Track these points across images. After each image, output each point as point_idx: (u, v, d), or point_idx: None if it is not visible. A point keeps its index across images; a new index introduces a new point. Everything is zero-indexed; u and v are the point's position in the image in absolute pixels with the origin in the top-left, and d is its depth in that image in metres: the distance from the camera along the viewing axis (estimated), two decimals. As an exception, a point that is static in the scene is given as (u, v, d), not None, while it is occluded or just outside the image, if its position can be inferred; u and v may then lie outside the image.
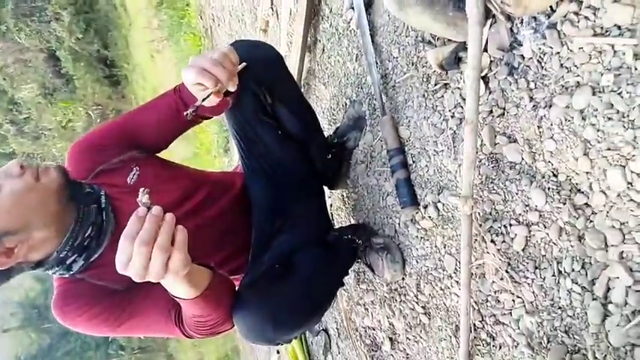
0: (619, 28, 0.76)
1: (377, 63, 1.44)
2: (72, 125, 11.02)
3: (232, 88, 1.00)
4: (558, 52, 0.86)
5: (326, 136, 1.66)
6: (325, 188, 1.70)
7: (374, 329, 1.67)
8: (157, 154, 1.27)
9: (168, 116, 1.18)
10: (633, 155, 0.77)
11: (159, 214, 0.77)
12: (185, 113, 0.92)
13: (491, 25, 0.99)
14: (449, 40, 1.12)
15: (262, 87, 1.21)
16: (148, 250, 0.73)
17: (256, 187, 1.36)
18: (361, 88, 1.58)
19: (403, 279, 1.42)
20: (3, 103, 12.49)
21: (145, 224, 0.75)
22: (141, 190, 0.78)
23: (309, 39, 1.86)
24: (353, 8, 1.53)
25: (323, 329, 2.22)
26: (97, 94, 10.29)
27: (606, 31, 0.78)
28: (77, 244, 1.00)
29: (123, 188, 1.11)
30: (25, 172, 0.95)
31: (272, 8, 2.22)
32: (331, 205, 1.89)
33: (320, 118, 1.84)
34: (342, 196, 1.78)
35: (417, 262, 1.34)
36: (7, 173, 0.95)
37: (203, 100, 0.94)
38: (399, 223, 1.41)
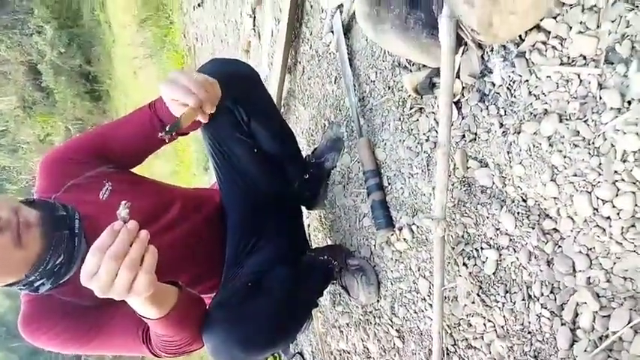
0: (584, 58, 0.79)
1: (355, 86, 1.46)
2: (50, 139, 10.84)
3: (209, 110, 0.99)
4: (527, 80, 0.89)
5: (304, 156, 1.66)
6: (303, 209, 1.69)
7: (349, 352, 1.66)
8: (131, 170, 1.25)
9: (142, 132, 1.17)
10: (598, 182, 0.79)
11: (134, 230, 0.75)
12: (160, 135, 0.90)
13: (463, 52, 1.01)
14: (423, 65, 1.14)
15: (238, 105, 1.22)
16: (116, 265, 0.72)
17: (231, 204, 1.34)
18: (339, 110, 1.59)
19: (378, 301, 1.41)
20: (-20, 116, 12.27)
21: (118, 238, 0.73)
22: (122, 202, 0.77)
23: (289, 60, 1.88)
24: (332, 32, 1.55)
25: (298, 352, 2.19)
26: (78, 109, 10.16)
27: (572, 61, 0.81)
28: (47, 269, 0.97)
29: (94, 205, 1.09)
30: (4, 233, 0.88)
31: (254, 29, 2.24)
32: (309, 226, 1.88)
33: (299, 138, 1.84)
34: (320, 216, 1.77)
35: (391, 284, 1.34)
36: None
37: (177, 121, 0.92)
38: (374, 245, 1.41)
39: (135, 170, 1.27)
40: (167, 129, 0.87)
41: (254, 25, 2.24)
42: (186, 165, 4.44)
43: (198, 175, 3.97)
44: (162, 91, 0.95)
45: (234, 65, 1.24)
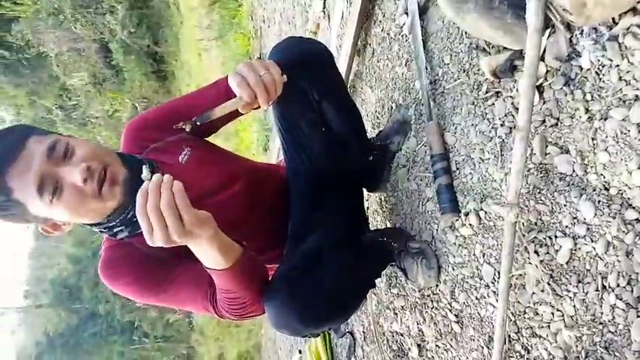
0: (686, 41, 0.75)
1: (427, 69, 1.45)
2: (118, 115, 11.42)
3: (264, 106, 1.03)
4: (618, 65, 0.85)
5: (369, 138, 1.67)
6: (364, 190, 1.71)
7: (402, 335, 1.67)
8: (207, 139, 1.31)
9: (220, 101, 1.22)
10: (692, 172, 0.76)
11: (157, 182, 0.83)
12: (186, 123, 0.96)
13: (549, 35, 0.99)
14: (504, 48, 1.12)
15: (311, 83, 1.24)
16: (159, 213, 0.80)
17: (296, 180, 1.38)
18: (408, 93, 1.58)
19: (437, 286, 1.41)
20: (54, 89, 13.07)
21: (149, 194, 0.82)
22: (143, 166, 0.86)
23: (359, 42, 1.88)
24: (407, 13, 1.54)
25: (349, 331, 2.22)
26: (144, 88, 10.62)
27: (672, 44, 0.77)
28: (126, 219, 1.05)
29: (174, 167, 1.15)
30: (87, 184, 0.95)
31: (324, 11, 2.26)
32: (368, 208, 1.90)
33: (364, 120, 1.85)
34: (380, 199, 1.78)
35: (453, 269, 1.34)
36: (69, 178, 0.94)
37: (207, 113, 0.97)
38: (437, 230, 1.41)
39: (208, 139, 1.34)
40: (195, 119, 0.94)
41: (324, 7, 2.25)
42: (245, 144, 4.56)
43: (257, 154, 4.06)
44: (230, 80, 0.99)
45: (310, 44, 1.27)
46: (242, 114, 1.07)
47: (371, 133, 1.81)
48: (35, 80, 13.35)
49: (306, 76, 1.21)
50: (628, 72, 0.84)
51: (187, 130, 1.01)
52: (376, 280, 1.53)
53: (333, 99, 1.31)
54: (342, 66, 1.96)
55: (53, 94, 13.15)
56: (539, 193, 1.03)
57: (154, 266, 1.08)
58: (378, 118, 1.81)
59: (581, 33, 0.92)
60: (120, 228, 1.06)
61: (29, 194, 0.92)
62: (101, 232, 1.09)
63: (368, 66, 1.86)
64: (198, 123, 0.95)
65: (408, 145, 1.56)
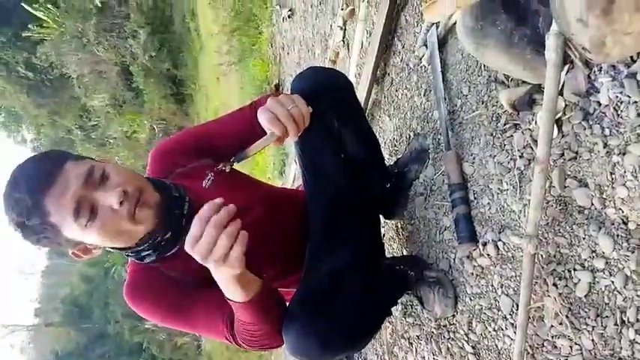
0: None
1: (445, 99, 1.48)
2: (136, 136, 11.63)
3: (294, 139, 1.07)
4: (636, 102, 0.87)
5: (387, 165, 1.69)
6: (381, 217, 1.72)
7: (417, 364, 1.65)
8: None
9: (243, 130, 1.26)
10: None
11: (232, 210, 0.86)
12: (227, 164, 1.00)
13: (568, 71, 1.01)
14: (523, 81, 1.15)
15: (332, 111, 1.27)
16: (217, 233, 0.82)
17: (315, 205, 1.40)
18: (427, 122, 1.61)
19: (454, 316, 1.41)
20: (75, 110, 13.38)
21: (221, 212, 0.84)
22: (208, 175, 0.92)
23: (378, 72, 1.92)
24: (426, 45, 1.58)
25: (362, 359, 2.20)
26: (163, 110, 10.84)
27: (690, 84, 0.79)
28: (154, 243, 1.08)
29: (197, 192, 1.19)
30: (123, 206, 0.97)
31: (343, 41, 2.31)
32: (384, 235, 1.90)
33: (382, 148, 1.88)
34: (397, 226, 1.79)
35: (470, 299, 1.34)
36: (105, 201, 0.97)
37: (244, 153, 1.03)
38: (454, 259, 1.41)
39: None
40: (233, 159, 0.99)
41: (344, 37, 2.31)
42: (261, 168, 4.61)
43: (272, 178, 4.10)
44: (259, 116, 1.03)
45: (331, 74, 1.31)
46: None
47: (389, 160, 1.84)
48: (57, 100, 13.71)
49: (328, 104, 1.25)
50: (647, 109, 0.86)
51: (227, 171, 1.05)
52: (392, 308, 1.53)
53: (353, 127, 1.34)
54: (361, 94, 1.99)
55: (74, 114, 13.48)
56: (558, 225, 1.04)
57: (177, 291, 1.11)
58: (395, 146, 1.83)
59: (600, 70, 0.94)
60: (147, 252, 1.09)
61: (65, 217, 0.95)
62: (128, 255, 1.12)
63: (386, 95, 1.90)
64: (235, 163, 0.99)
65: (426, 174, 1.57)
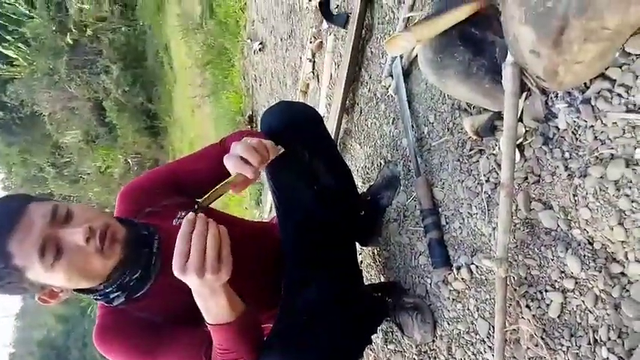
0: (651, 105, 0.80)
1: (413, 127, 1.51)
2: (110, 171, 11.45)
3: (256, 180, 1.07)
4: (592, 126, 0.91)
5: (359, 193, 1.71)
6: (357, 245, 1.73)
7: (400, 393, 1.64)
8: None
9: (212, 168, 1.26)
10: (669, 227, 0.79)
11: (205, 218, 0.88)
12: (189, 212, 0.98)
13: (526, 97, 1.05)
14: (484, 109, 1.18)
15: (303, 144, 1.29)
16: (203, 241, 0.86)
17: (289, 237, 1.39)
18: (396, 149, 1.64)
19: (433, 341, 1.41)
20: (47, 147, 13.14)
21: (197, 223, 0.88)
22: (179, 213, 0.91)
23: (347, 102, 1.96)
24: (392, 76, 1.62)
25: (347, 391, 2.16)
26: (137, 144, 10.73)
27: (639, 108, 0.82)
28: (123, 283, 1.06)
29: (168, 230, 1.17)
30: (89, 242, 0.96)
31: (313, 72, 2.35)
32: (361, 262, 1.91)
33: (354, 176, 1.89)
34: (374, 253, 1.80)
35: (448, 324, 1.34)
36: (71, 239, 0.96)
37: (205, 200, 0.99)
38: (430, 284, 1.42)
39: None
40: (197, 206, 0.96)
41: (313, 69, 2.35)
42: (237, 199, 4.58)
43: (249, 209, 4.08)
44: (226, 163, 1.03)
45: (300, 108, 1.34)
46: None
47: (361, 188, 1.85)
48: (28, 139, 13.45)
49: (298, 137, 1.26)
50: (602, 132, 0.89)
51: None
52: (372, 336, 1.52)
53: (324, 158, 1.35)
54: (331, 124, 2.02)
55: (45, 151, 13.22)
56: (526, 247, 1.06)
57: (149, 333, 1.08)
58: (367, 173, 1.85)
59: (556, 96, 0.98)
60: (116, 294, 1.06)
61: (30, 258, 0.92)
62: (96, 299, 1.09)
63: (356, 124, 1.93)
64: (196, 209, 0.97)
65: (399, 200, 1.59)
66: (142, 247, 1.08)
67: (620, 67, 0.85)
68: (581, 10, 0.78)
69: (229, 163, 1.02)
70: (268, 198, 3.29)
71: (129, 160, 10.97)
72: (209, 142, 1.39)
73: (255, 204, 3.91)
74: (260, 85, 3.57)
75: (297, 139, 1.26)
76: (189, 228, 0.87)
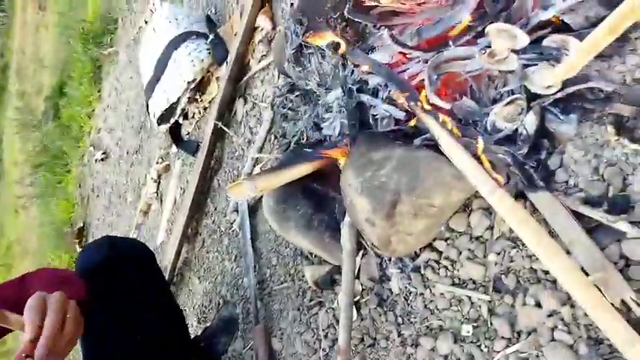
0: (474, 282, 0.84)
1: (255, 267, 1.44)
2: None
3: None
4: (422, 294, 0.92)
5: (193, 335, 1.53)
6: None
7: None
8: None
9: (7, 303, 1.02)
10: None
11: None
12: None
13: (363, 255, 1.05)
14: (325, 260, 1.16)
15: (125, 287, 1.12)
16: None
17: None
18: (237, 289, 1.53)
19: None
20: None
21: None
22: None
23: (189, 230, 1.84)
24: (237, 211, 1.57)
25: None
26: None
27: (463, 283, 0.86)
28: None
29: None
30: None
31: (157, 193, 2.21)
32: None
33: (189, 314, 1.72)
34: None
35: None
36: None
37: None
38: None
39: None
40: None
41: (157, 189, 2.22)
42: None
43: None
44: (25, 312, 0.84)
45: (128, 246, 1.22)
46: None
47: (196, 329, 1.67)
48: None
49: (121, 278, 1.10)
50: (432, 301, 0.91)
51: None
52: None
53: (151, 301, 1.19)
54: (169, 251, 1.86)
55: None
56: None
57: None
58: (204, 312, 1.69)
59: (390, 260, 0.99)
60: None
61: None
62: None
63: (197, 256, 1.80)
64: None
65: (235, 348, 1.45)
66: None
67: (446, 241, 0.89)
68: (411, 188, 0.82)
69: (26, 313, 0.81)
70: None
71: None
72: (28, 252, 1.15)
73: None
74: (97, 195, 3.26)
75: (120, 281, 1.10)
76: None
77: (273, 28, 1.48)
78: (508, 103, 0.78)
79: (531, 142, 0.75)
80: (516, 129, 0.79)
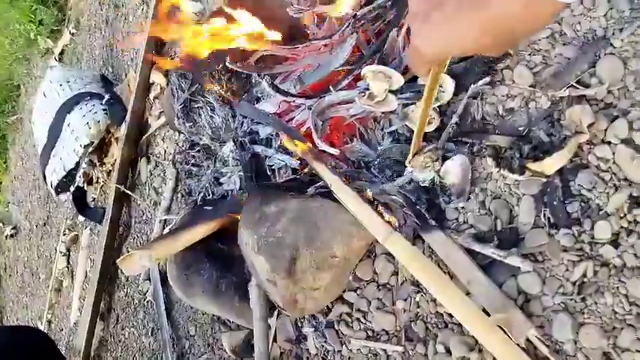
0: (387, 333, 0.79)
1: (173, 339, 1.32)
2: None
3: None
4: (340, 351, 0.86)
5: None
6: None
7: None
8: None
9: None
10: None
11: None
12: None
13: (278, 315, 0.98)
14: (240, 325, 1.08)
15: None
16: None
17: None
18: (157, 366, 1.40)
19: None
20: None
21: None
22: None
23: (102, 306, 1.68)
24: (149, 279, 1.45)
25: None
26: None
27: (377, 335, 0.80)
28: None
29: None
30: None
31: (67, 268, 2.03)
32: None
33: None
34: None
35: None
36: None
37: None
38: None
39: None
40: None
41: (67, 264, 2.04)
42: None
43: None
44: None
45: (20, 337, 1.09)
46: None
47: (116, 417, 1.50)
48: None
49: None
50: (349, 358, 0.84)
51: None
52: None
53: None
54: (81, 332, 1.68)
55: None
56: None
57: None
58: (125, 396, 1.53)
59: (304, 318, 0.92)
60: None
61: None
62: None
63: (112, 334, 1.64)
64: None
65: None
66: None
67: (355, 291, 0.84)
68: (309, 241, 0.77)
69: None
70: None
71: None
72: None
73: None
74: (10, 275, 2.98)
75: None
76: None
77: (167, 84, 1.42)
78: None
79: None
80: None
